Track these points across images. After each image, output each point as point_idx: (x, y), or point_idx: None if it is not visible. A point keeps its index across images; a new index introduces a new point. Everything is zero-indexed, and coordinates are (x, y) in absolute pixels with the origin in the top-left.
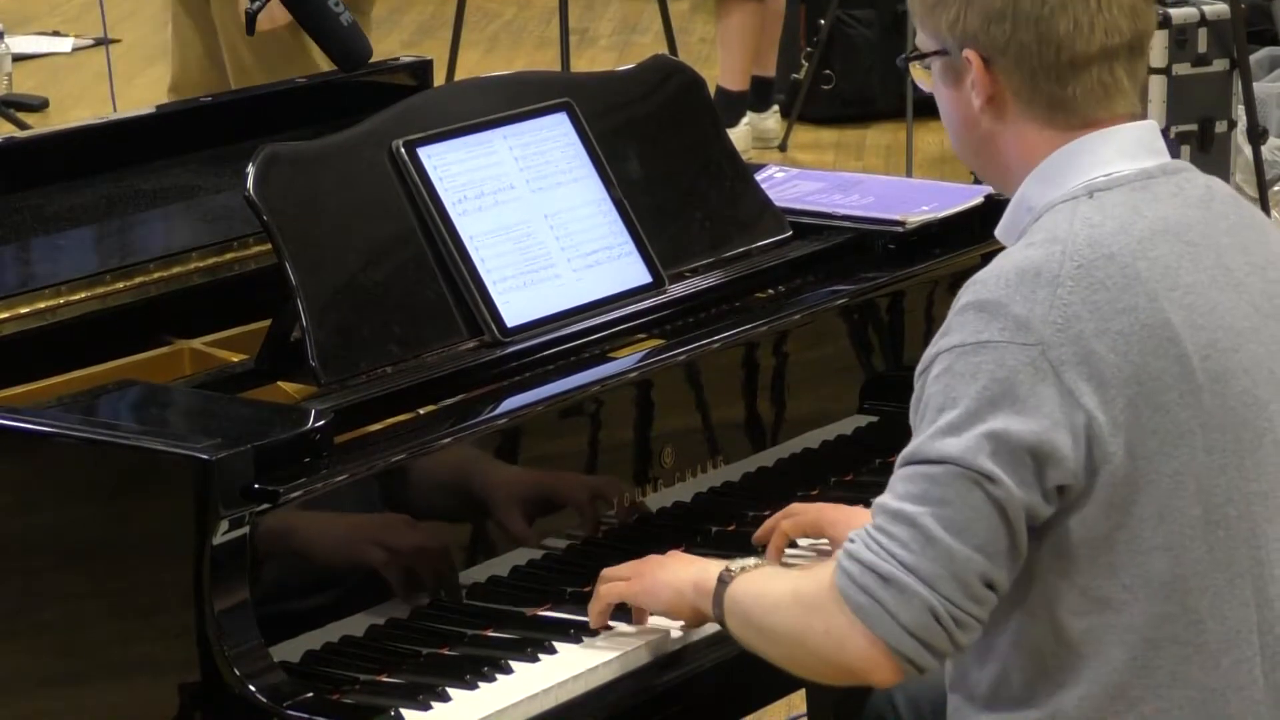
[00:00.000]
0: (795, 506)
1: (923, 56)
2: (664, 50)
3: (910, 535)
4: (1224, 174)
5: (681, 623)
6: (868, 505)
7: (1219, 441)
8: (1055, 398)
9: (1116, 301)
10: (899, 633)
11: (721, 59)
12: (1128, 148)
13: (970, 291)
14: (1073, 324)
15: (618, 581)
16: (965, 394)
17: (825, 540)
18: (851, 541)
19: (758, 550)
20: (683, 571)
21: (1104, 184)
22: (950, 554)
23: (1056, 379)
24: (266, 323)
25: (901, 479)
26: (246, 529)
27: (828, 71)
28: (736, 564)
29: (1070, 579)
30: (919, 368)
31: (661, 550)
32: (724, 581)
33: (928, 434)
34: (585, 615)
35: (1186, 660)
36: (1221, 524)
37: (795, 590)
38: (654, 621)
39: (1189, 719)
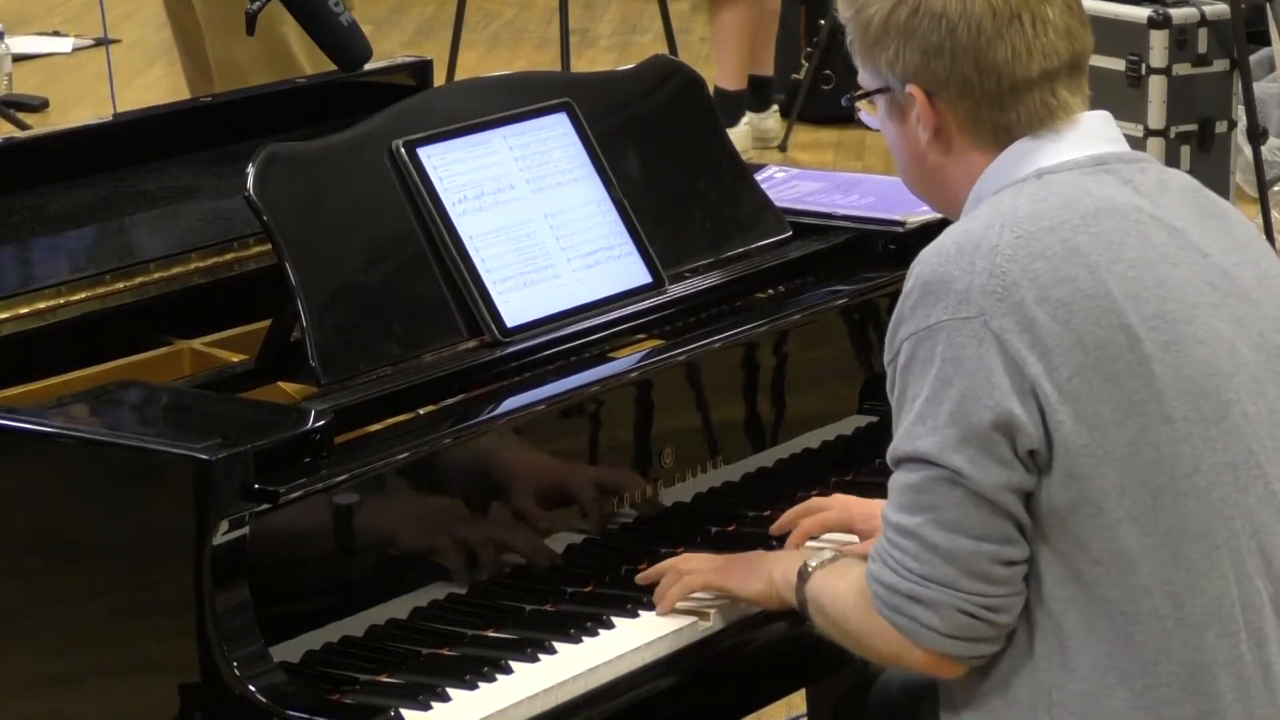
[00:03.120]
0: (816, 501)
1: (868, 95)
2: (664, 50)
3: (915, 547)
4: (1224, 174)
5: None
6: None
7: (1178, 410)
8: (1001, 366)
9: (1056, 271)
10: (943, 640)
11: (717, 59)
12: (1081, 137)
13: (915, 271)
14: (1012, 292)
15: (701, 570)
16: (925, 380)
17: (854, 536)
18: (874, 561)
19: (770, 545)
20: (771, 563)
21: (1053, 168)
22: (954, 554)
23: (1000, 347)
24: (266, 323)
25: (894, 488)
26: (246, 529)
27: (828, 71)
28: (814, 559)
29: (1051, 546)
30: (886, 354)
31: (661, 551)
32: (803, 578)
33: (904, 429)
34: (585, 615)
35: (1169, 635)
36: (1191, 495)
37: (857, 600)
38: (653, 622)
39: (1177, 696)
